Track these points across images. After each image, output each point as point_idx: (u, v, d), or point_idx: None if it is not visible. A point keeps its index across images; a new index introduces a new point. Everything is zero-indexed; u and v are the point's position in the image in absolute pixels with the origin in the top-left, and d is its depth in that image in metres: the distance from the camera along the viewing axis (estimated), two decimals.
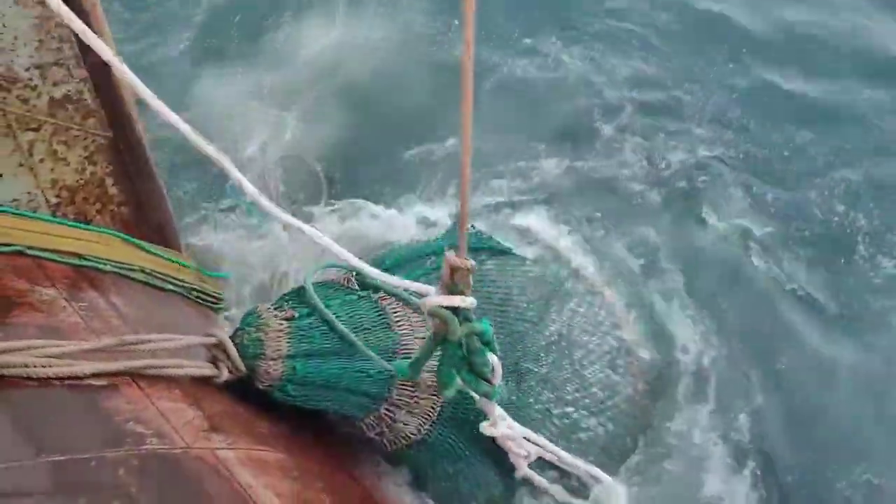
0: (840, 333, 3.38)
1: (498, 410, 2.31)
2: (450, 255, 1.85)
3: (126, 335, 1.91)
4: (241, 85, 4.51)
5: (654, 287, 3.49)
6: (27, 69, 2.21)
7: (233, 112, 4.29)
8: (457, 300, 1.94)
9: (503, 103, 4.43)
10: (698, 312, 3.41)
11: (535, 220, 3.75)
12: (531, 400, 2.65)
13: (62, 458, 1.42)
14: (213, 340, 2.13)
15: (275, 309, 2.34)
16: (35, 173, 2.43)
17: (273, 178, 4.04)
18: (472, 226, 3.05)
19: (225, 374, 2.12)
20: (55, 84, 2.30)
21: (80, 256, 2.37)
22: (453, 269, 1.87)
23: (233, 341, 2.19)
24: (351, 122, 4.30)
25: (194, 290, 2.82)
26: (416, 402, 2.37)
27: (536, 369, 2.68)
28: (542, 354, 2.72)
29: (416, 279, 2.53)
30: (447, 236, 2.97)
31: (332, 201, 3.96)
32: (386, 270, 2.54)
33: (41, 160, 2.43)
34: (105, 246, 2.54)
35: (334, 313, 2.34)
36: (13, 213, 2.41)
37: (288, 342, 2.24)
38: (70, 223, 2.57)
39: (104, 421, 1.63)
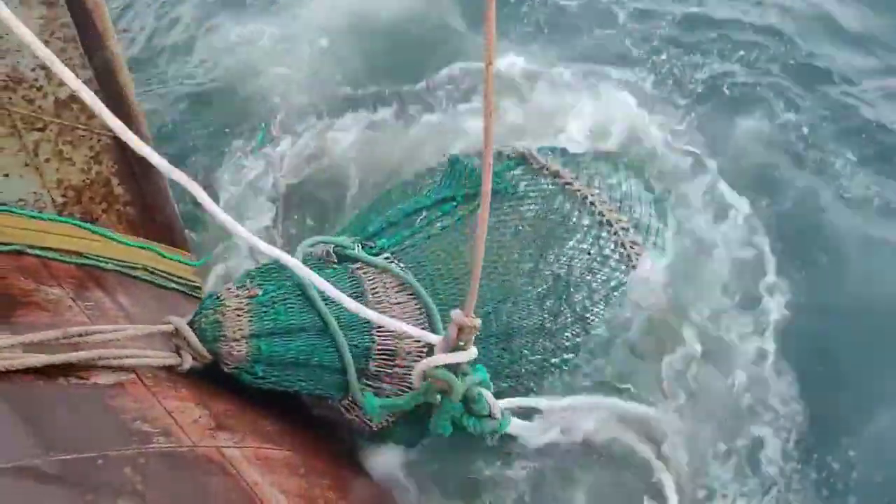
0: None
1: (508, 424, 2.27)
2: (457, 314, 1.84)
3: (72, 328, 1.81)
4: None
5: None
6: (33, 69, 2.23)
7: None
8: (462, 356, 1.92)
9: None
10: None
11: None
12: (525, 351, 2.56)
13: (69, 456, 1.43)
14: (168, 328, 2.03)
15: (237, 288, 2.21)
16: (41, 173, 2.44)
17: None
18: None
19: (188, 362, 2.03)
20: (60, 84, 2.30)
21: (81, 255, 2.38)
22: (460, 329, 1.85)
23: (192, 327, 2.08)
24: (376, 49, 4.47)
25: (197, 287, 2.83)
26: (396, 372, 2.22)
27: (529, 322, 2.53)
28: (535, 304, 2.55)
29: (403, 242, 2.53)
30: (440, 187, 2.81)
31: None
32: (370, 237, 2.53)
33: (47, 160, 2.44)
34: (103, 244, 2.55)
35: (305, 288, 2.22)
36: (12, 212, 2.42)
37: (249, 321, 2.10)
38: (69, 220, 2.57)
39: (110, 419, 1.64)
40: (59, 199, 2.54)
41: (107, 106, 2.46)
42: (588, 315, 2.63)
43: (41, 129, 2.38)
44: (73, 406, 1.66)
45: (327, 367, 2.19)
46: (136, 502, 1.39)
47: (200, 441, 1.71)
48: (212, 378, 2.08)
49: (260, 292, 2.20)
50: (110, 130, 2.49)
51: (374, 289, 2.34)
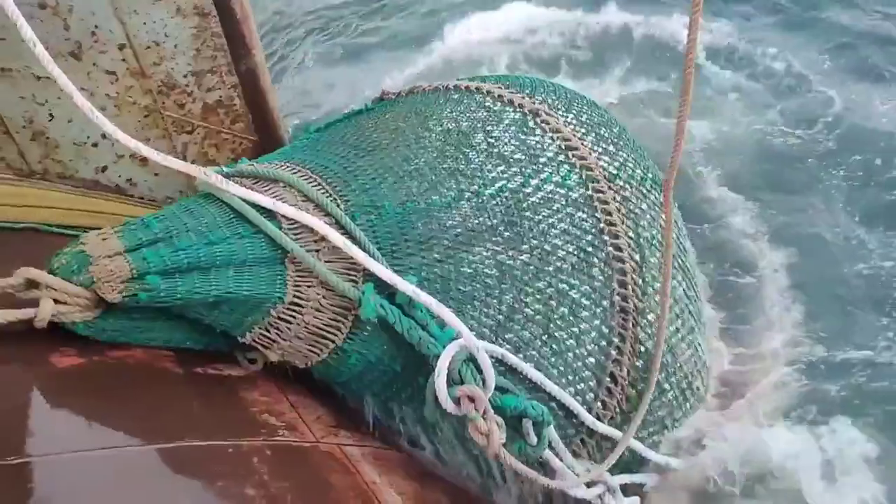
0: None
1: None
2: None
3: None
4: None
5: None
6: (185, 76, 2.36)
7: None
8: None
9: None
10: None
11: None
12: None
13: (203, 443, 1.51)
14: (19, 281, 1.65)
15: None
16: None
17: None
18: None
19: (48, 308, 1.63)
20: (208, 90, 2.43)
21: None
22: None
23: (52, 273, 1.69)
24: None
25: None
26: (325, 297, 1.78)
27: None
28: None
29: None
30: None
31: None
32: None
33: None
34: None
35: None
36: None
37: (119, 237, 1.73)
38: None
39: (241, 411, 1.73)
40: None
41: (249, 110, 2.60)
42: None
43: (189, 132, 2.52)
44: (208, 396, 1.75)
45: (240, 277, 1.74)
46: (262, 492, 1.45)
47: (323, 437, 1.77)
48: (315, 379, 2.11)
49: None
50: (252, 135, 2.64)
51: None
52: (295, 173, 1.92)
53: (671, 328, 2.19)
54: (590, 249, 2.06)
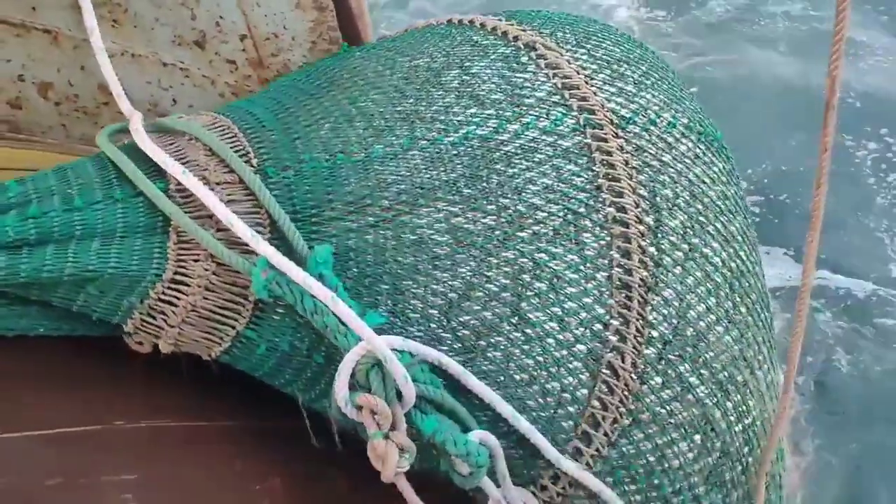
0: None
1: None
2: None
3: None
4: None
5: None
6: (300, 67, 2.27)
7: None
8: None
9: None
10: None
11: None
12: None
13: None
14: None
15: None
16: None
17: None
18: None
19: None
20: None
21: None
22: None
23: None
24: None
25: None
26: (216, 274, 1.46)
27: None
28: None
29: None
30: None
31: None
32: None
33: None
34: None
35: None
36: None
37: None
38: None
39: None
40: None
41: None
42: None
43: None
44: None
45: (134, 227, 1.45)
46: None
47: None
48: None
49: None
50: None
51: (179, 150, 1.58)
52: (211, 124, 1.63)
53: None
54: (581, 210, 1.63)
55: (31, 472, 1.31)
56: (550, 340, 1.57)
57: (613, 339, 1.60)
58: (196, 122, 1.61)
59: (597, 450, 1.61)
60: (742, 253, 1.84)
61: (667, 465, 1.67)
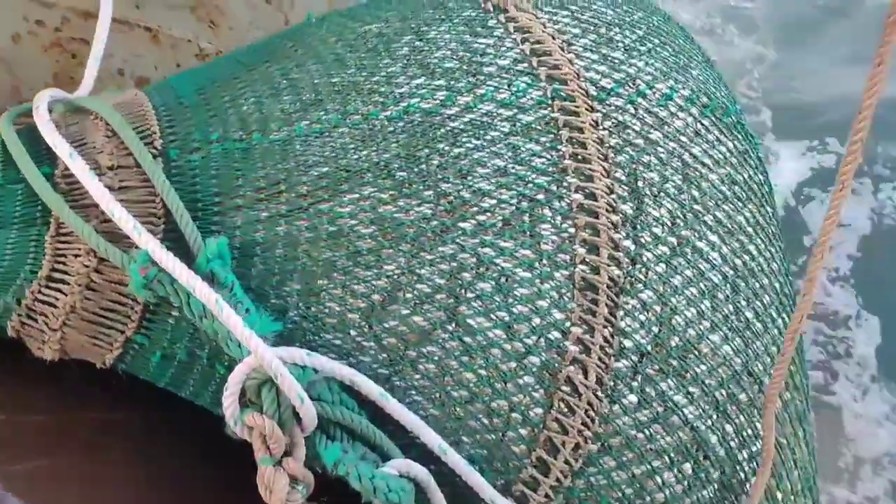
0: None
1: None
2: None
3: None
4: None
5: None
6: None
7: None
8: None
9: None
10: None
11: None
12: None
13: None
14: None
15: None
16: None
17: None
18: None
19: None
20: None
21: None
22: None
23: None
24: None
25: None
26: (98, 271, 1.26)
27: None
28: None
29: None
30: None
31: None
32: None
33: None
34: None
35: None
36: None
37: None
38: None
39: None
40: None
41: None
42: None
43: None
44: None
45: (9, 218, 1.28)
46: None
47: None
48: None
49: None
50: None
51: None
52: (122, 102, 1.45)
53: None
54: (539, 197, 1.38)
55: None
56: (495, 351, 1.32)
57: (574, 349, 1.34)
58: (105, 100, 1.43)
59: (557, 480, 1.36)
60: (752, 248, 1.55)
61: (648, 500, 1.40)
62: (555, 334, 1.33)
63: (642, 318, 1.37)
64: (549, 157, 1.39)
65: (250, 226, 1.31)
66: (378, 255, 1.31)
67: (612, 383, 1.35)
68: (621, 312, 1.35)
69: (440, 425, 1.33)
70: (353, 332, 1.30)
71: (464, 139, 1.38)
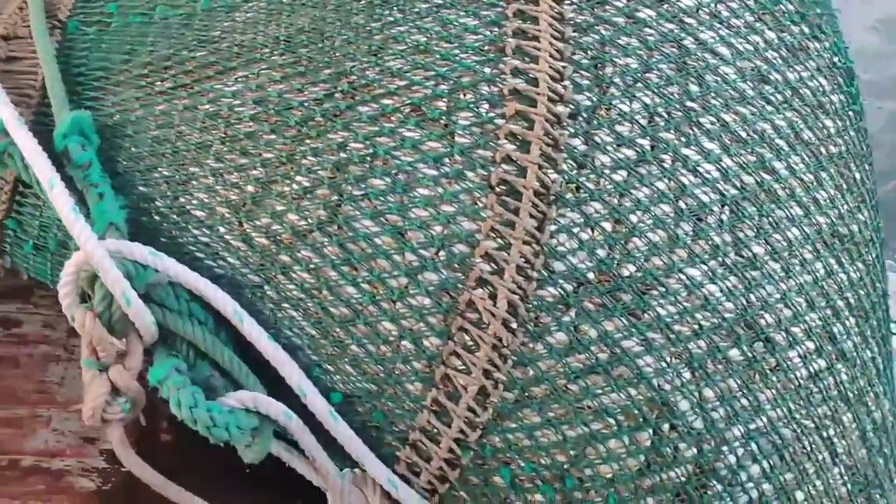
0: None
1: None
2: None
3: None
4: None
5: None
6: None
7: None
8: None
9: None
10: None
11: None
12: None
13: None
14: None
15: None
16: None
17: None
18: None
19: None
20: None
21: None
22: None
23: None
24: None
25: None
26: None
27: None
28: None
29: None
30: None
31: None
32: None
33: None
34: None
35: None
36: None
37: None
38: None
39: None
40: None
41: None
42: None
43: None
44: None
45: None
46: None
47: None
48: None
49: None
50: None
51: None
52: None
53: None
54: (463, 79, 1.10)
55: None
56: (383, 262, 1.08)
57: (485, 268, 1.06)
58: None
59: (461, 432, 1.09)
60: (781, 164, 1.17)
61: (589, 472, 1.09)
62: (460, 247, 1.06)
63: (584, 236, 1.06)
64: (487, 33, 1.12)
65: (129, 104, 1.17)
66: (258, 141, 1.11)
67: (532, 315, 1.05)
68: (553, 227, 1.05)
69: (318, 348, 1.11)
70: (222, 229, 1.12)
71: (382, 12, 1.14)
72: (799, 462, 1.13)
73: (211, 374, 1.06)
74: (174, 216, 1.14)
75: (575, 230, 1.06)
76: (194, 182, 1.13)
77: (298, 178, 1.09)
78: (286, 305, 1.10)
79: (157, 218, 1.14)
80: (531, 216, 1.05)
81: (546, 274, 1.05)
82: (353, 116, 1.09)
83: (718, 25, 1.18)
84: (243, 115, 1.12)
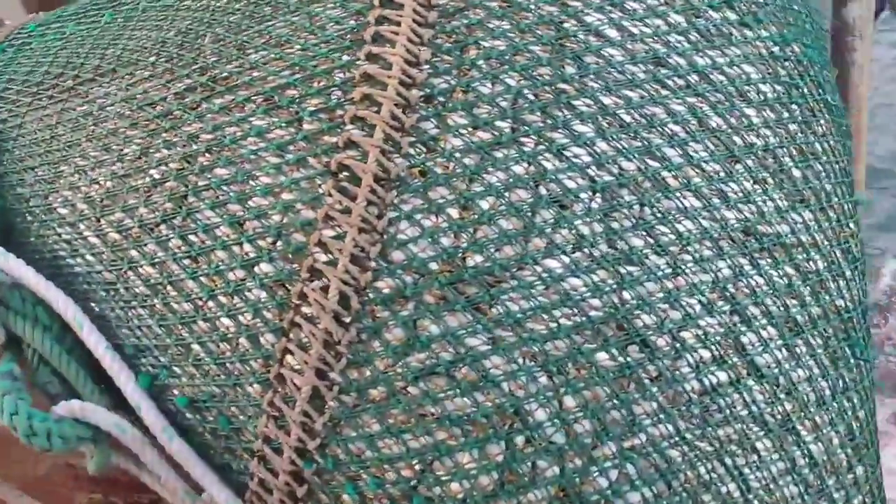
0: None
1: None
2: None
3: None
4: None
5: None
6: None
7: None
8: None
9: None
10: None
11: None
12: None
13: None
14: None
15: None
16: None
17: None
18: None
19: None
20: None
21: None
22: None
23: None
24: None
25: None
26: None
27: None
28: None
29: None
30: None
31: None
32: None
33: None
34: None
35: None
36: None
37: None
38: None
39: None
40: None
41: None
42: None
43: None
44: None
45: None
46: None
47: None
48: None
49: None
50: None
51: None
52: None
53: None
54: (318, 68, 1.06)
55: None
56: (221, 253, 1.03)
57: (319, 257, 0.99)
58: None
59: (300, 440, 1.00)
60: (672, 151, 1.04)
61: (438, 491, 0.97)
62: (296, 237, 1.00)
63: (427, 223, 0.97)
64: (351, 22, 1.08)
65: (19, 109, 1.20)
66: (117, 137, 1.10)
67: (368, 309, 0.96)
68: (393, 214, 0.98)
69: (165, 349, 1.06)
70: (81, 226, 1.11)
71: (258, 9, 1.13)
72: (694, 493, 0.95)
73: (49, 380, 1.03)
74: (43, 215, 1.14)
75: (417, 216, 0.97)
76: (61, 180, 1.13)
77: (151, 171, 1.07)
78: (135, 303, 1.07)
79: (29, 218, 1.15)
80: (369, 202, 0.97)
81: (384, 264, 0.96)
82: (207, 108, 1.07)
83: (610, 8, 1.08)
84: (110, 113, 1.12)
